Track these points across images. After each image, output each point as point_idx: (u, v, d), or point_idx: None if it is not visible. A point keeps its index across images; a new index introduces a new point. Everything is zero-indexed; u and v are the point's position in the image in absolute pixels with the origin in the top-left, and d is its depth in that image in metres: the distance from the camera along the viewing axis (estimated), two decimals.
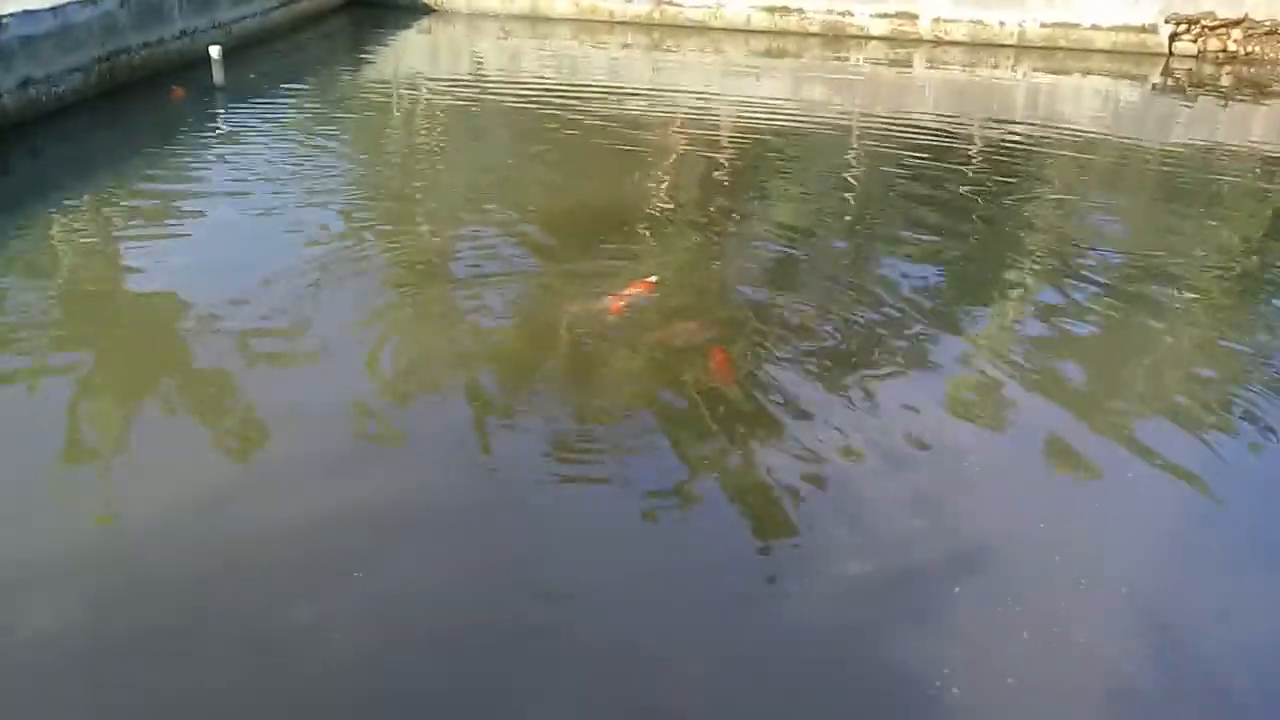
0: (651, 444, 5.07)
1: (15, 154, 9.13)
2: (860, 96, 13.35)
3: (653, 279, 6.59)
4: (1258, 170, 10.46)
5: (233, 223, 7.71)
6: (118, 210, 7.93)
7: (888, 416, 5.32)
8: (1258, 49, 15.00)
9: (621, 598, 4.13)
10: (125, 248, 7.34)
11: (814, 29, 15.97)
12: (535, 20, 16.50)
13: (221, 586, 4.07)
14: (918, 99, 13.52)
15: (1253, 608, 4.22)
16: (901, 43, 15.62)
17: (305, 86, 12.22)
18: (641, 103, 12.02)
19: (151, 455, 4.92)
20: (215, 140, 9.89)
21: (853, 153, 10.59)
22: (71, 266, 6.97)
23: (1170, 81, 14.14)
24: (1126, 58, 14.91)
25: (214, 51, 11.48)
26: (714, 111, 12.17)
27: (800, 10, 15.98)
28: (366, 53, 14.78)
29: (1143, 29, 15.13)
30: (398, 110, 11.69)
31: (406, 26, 16.05)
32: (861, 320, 6.37)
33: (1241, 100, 13.46)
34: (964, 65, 14.70)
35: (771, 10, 16.05)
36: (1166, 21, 15.04)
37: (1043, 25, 15.33)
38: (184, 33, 12.08)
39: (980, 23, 15.49)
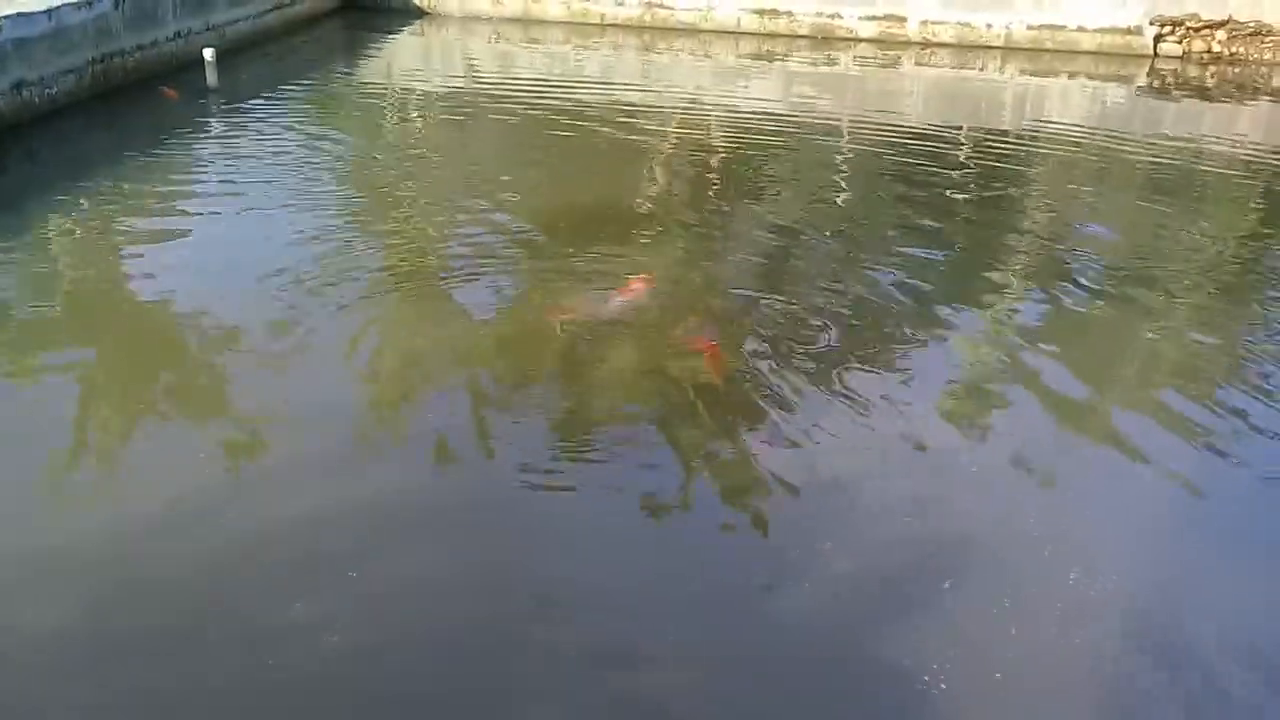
0: (648, 443, 5.11)
1: (10, 156, 9.15)
2: (849, 98, 13.45)
3: (646, 277, 6.66)
4: (1243, 168, 10.58)
5: (228, 223, 7.75)
6: (113, 211, 7.96)
7: (880, 415, 5.37)
8: (1241, 50, 15.14)
9: (618, 597, 4.16)
10: (120, 249, 7.37)
11: (803, 31, 16.07)
12: (527, 23, 16.56)
13: (220, 586, 4.08)
14: (906, 101, 13.62)
15: (1243, 603, 4.25)
16: (890, 45, 15.72)
17: (298, 89, 12.26)
18: (633, 104, 12.09)
19: (149, 455, 4.96)
20: (209, 142, 9.93)
21: (842, 153, 10.67)
22: (67, 268, 7.00)
23: (1156, 83, 14.27)
24: (1112, 59, 15.04)
25: (208, 54, 11.53)
26: (705, 112, 12.24)
27: (789, 13, 16.07)
28: (359, 55, 14.81)
29: (1128, 31, 15.26)
30: (391, 112, 11.75)
31: (399, 30, 16.09)
32: (853, 319, 6.44)
33: (1226, 100, 13.60)
34: (952, 67, 14.81)
35: (761, 13, 16.14)
36: (1151, 23, 15.18)
37: (1029, 27, 15.45)
38: (178, 35, 12.12)
39: (967, 25, 15.60)
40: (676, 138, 10.79)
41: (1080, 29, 15.34)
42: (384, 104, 12.06)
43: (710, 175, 9.65)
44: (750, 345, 6.04)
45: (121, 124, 10.39)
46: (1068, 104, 13.63)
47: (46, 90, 9.96)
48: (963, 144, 11.10)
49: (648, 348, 5.92)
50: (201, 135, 10.11)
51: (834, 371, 5.74)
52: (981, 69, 14.80)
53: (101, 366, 5.78)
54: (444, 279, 6.86)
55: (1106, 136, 11.50)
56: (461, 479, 4.90)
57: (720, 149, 10.63)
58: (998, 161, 10.46)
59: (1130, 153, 11.08)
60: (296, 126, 10.65)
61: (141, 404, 5.39)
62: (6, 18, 9.36)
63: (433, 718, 3.60)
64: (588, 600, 4.13)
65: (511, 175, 9.17)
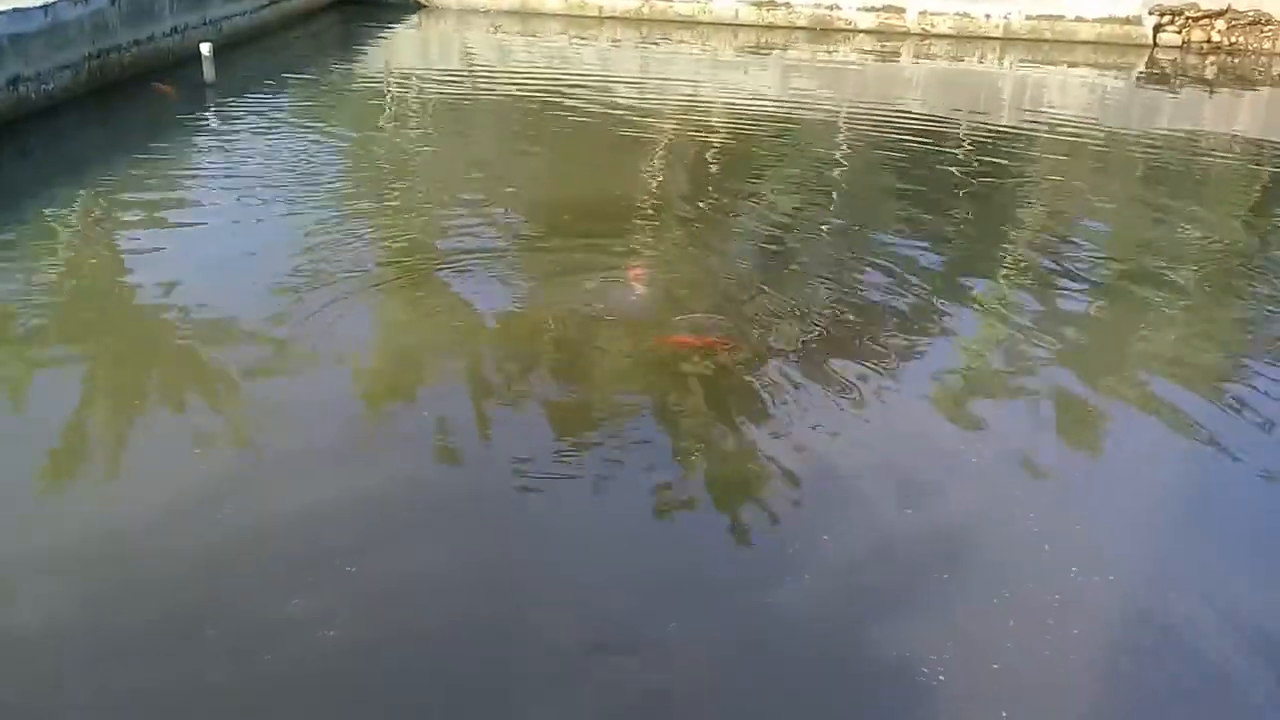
0: (646, 437, 5.11)
1: (6, 152, 9.14)
2: (848, 89, 13.42)
3: (643, 270, 6.66)
4: (1242, 157, 10.57)
5: (225, 219, 7.73)
6: (110, 208, 7.94)
7: (879, 409, 5.37)
8: (1241, 39, 15.13)
9: (617, 593, 4.15)
10: (117, 245, 7.36)
11: (801, 23, 16.04)
12: (525, 15, 16.53)
13: (218, 583, 4.07)
14: (905, 92, 13.60)
15: (1244, 599, 4.24)
16: (888, 36, 15.70)
17: (295, 83, 12.24)
18: (631, 96, 12.08)
19: (146, 452, 4.95)
20: (206, 137, 9.91)
21: (840, 145, 10.66)
22: (63, 265, 6.99)
23: (1155, 72, 14.24)
24: (1111, 49, 15.02)
25: (204, 48, 11.50)
26: (702, 104, 12.22)
27: (787, 4, 16.05)
28: (357, 49, 14.78)
29: (1127, 20, 15.24)
30: (389, 105, 11.73)
31: (396, 22, 16.07)
32: (852, 313, 6.43)
33: (1225, 90, 13.57)
34: (951, 58, 14.78)
35: (759, 4, 16.11)
36: (1150, 13, 15.16)
37: (1028, 17, 15.44)
38: (174, 30, 12.10)
39: (966, 15, 15.59)
40: (674, 130, 10.77)
41: (1079, 19, 15.32)
42: (381, 97, 12.04)
43: (708, 167, 9.63)
44: (749, 338, 6.03)
45: (118, 120, 10.37)
46: (1067, 94, 13.61)
47: (43, 86, 9.94)
48: (963, 141, 11.08)
49: (645, 341, 5.91)
50: (198, 130, 10.09)
51: (832, 365, 5.73)
52: (981, 59, 14.77)
53: (98, 363, 5.77)
54: (441, 273, 6.85)
55: (1105, 127, 11.48)
56: (460, 474, 4.89)
57: (717, 141, 10.61)
58: (996, 153, 10.44)
59: (1129, 143, 11.06)
60: (293, 121, 10.63)
61: (138, 401, 5.38)
62: (2, 13, 9.34)
63: (431, 714, 3.60)
64: (586, 596, 4.12)
65: (509, 167, 9.16)
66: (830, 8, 15.94)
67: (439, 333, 6.09)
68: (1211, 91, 13.60)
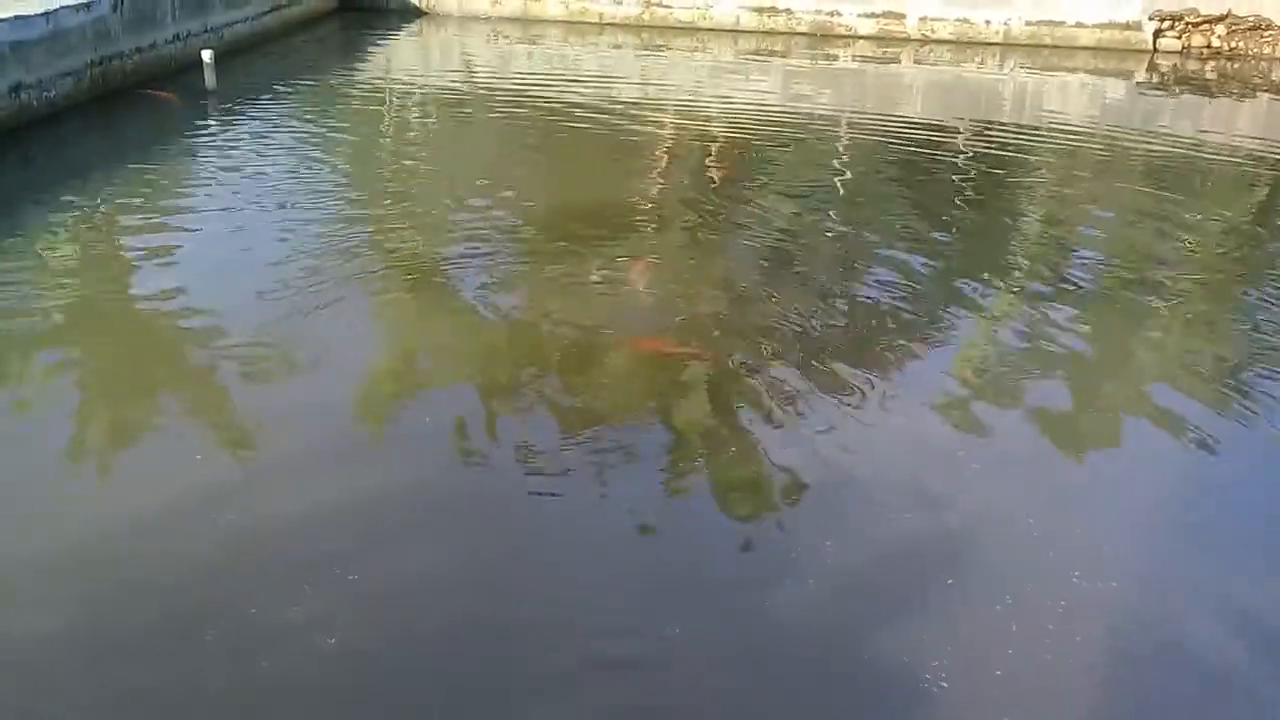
0: (648, 439, 5.11)
1: (8, 160, 9.14)
2: (849, 95, 13.44)
3: (644, 266, 6.66)
4: (1243, 161, 10.57)
5: (226, 225, 7.74)
6: (112, 214, 7.96)
7: (881, 412, 5.37)
8: (1241, 44, 15.14)
9: (619, 595, 4.15)
10: (119, 251, 7.37)
11: (802, 29, 16.08)
12: (526, 22, 16.57)
13: (218, 586, 4.07)
14: (906, 97, 13.61)
15: (1246, 602, 4.23)
16: (889, 42, 15.73)
17: (297, 90, 12.26)
18: (632, 102, 12.09)
19: (148, 454, 4.95)
20: (208, 144, 9.92)
21: (841, 150, 10.67)
22: (65, 271, 7.00)
23: (1155, 78, 14.25)
24: (1111, 54, 15.05)
25: (206, 56, 11.51)
26: (703, 110, 12.24)
27: (788, 10, 16.09)
28: (358, 56, 14.81)
29: (1127, 26, 15.27)
30: (390, 112, 11.75)
31: (397, 30, 16.10)
32: (852, 317, 6.43)
33: (1226, 95, 13.58)
34: (951, 64, 14.80)
35: (760, 11, 16.15)
36: (1150, 18, 15.18)
37: (1028, 23, 15.47)
38: (176, 37, 12.12)
39: (966, 21, 15.62)
40: (675, 135, 10.78)
41: (1079, 24, 15.35)
42: (382, 104, 12.06)
43: (708, 172, 9.64)
44: (750, 342, 6.03)
45: (120, 127, 10.38)
46: (1067, 100, 13.62)
47: (45, 93, 9.96)
48: (963, 147, 11.09)
49: (644, 345, 5.91)
50: (200, 137, 10.10)
51: (834, 368, 5.73)
52: (981, 65, 14.79)
53: (99, 367, 5.78)
54: (442, 277, 6.86)
55: (1106, 132, 11.49)
56: (460, 475, 4.89)
57: (718, 146, 10.61)
58: (997, 159, 10.44)
59: (1130, 148, 11.07)
60: (295, 127, 10.65)
61: (139, 405, 5.39)
62: (4, 20, 9.35)
63: (431, 715, 3.60)
64: (587, 598, 4.12)
65: (510, 173, 9.17)
66: (831, 14, 15.97)
67: (439, 336, 6.10)
68: (1212, 96, 13.61)
